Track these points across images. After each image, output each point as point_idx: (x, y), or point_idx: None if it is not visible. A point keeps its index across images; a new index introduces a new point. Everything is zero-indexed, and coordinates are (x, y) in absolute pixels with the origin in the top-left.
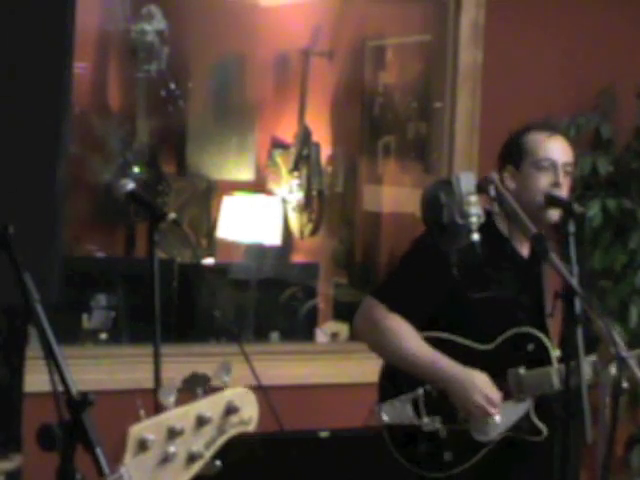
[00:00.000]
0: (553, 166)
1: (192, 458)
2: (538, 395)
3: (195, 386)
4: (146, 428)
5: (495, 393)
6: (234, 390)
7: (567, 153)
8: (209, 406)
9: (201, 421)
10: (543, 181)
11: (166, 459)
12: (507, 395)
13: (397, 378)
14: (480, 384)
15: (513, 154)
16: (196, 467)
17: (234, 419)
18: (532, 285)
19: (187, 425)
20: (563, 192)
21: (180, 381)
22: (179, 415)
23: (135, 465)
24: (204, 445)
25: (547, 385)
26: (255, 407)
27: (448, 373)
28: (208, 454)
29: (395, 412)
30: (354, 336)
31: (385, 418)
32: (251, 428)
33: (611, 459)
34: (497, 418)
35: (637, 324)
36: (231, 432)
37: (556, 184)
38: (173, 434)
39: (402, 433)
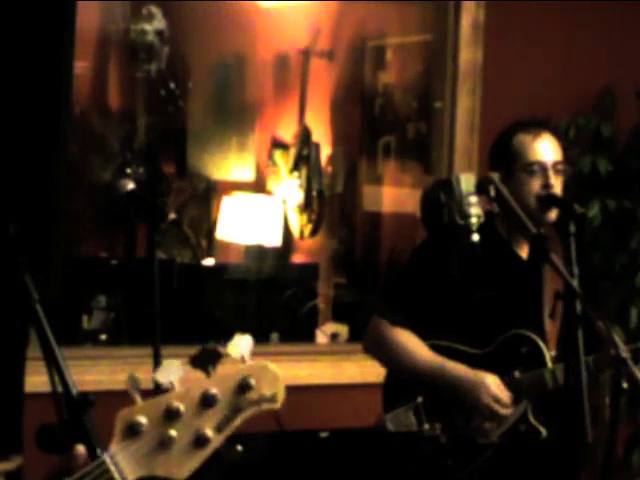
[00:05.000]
0: (543, 168)
1: (199, 442)
2: (534, 397)
3: (205, 363)
4: (137, 411)
5: (505, 395)
6: (250, 364)
7: (556, 151)
8: (217, 383)
9: (207, 400)
10: (534, 185)
11: (164, 444)
12: None
13: (399, 389)
14: (490, 386)
15: (502, 158)
16: (206, 452)
17: (251, 396)
18: (530, 287)
19: (189, 405)
20: (556, 191)
21: (187, 358)
22: (179, 395)
23: (124, 452)
24: (214, 427)
25: (541, 387)
26: (278, 382)
27: (458, 376)
28: (220, 437)
29: (398, 421)
30: (365, 353)
31: (390, 427)
32: (277, 406)
33: (611, 459)
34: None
35: (637, 325)
36: (250, 411)
37: (546, 186)
38: (171, 416)
39: (406, 441)
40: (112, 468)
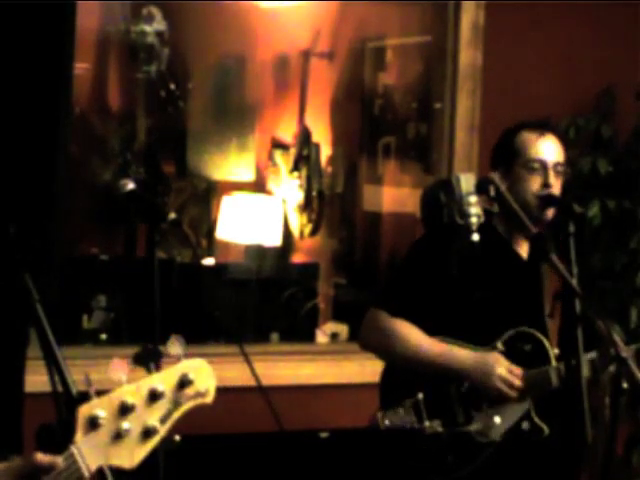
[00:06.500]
0: (543, 167)
1: (147, 433)
2: (538, 394)
3: (147, 361)
4: (96, 405)
5: (516, 367)
6: (188, 362)
7: (558, 152)
8: (162, 380)
9: (154, 395)
10: (534, 183)
11: (119, 435)
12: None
13: (397, 385)
14: (501, 359)
15: (504, 155)
16: (152, 442)
17: (189, 392)
18: (531, 286)
19: (139, 400)
20: (554, 192)
21: (131, 356)
22: (130, 391)
23: (87, 443)
24: (159, 420)
25: (546, 384)
26: (211, 379)
27: (466, 358)
28: (164, 429)
29: (397, 418)
30: (362, 348)
31: (387, 424)
32: (209, 400)
33: (611, 459)
34: (497, 419)
35: (637, 325)
36: (188, 405)
37: (546, 185)
38: (125, 410)
39: (405, 438)
40: (79, 459)
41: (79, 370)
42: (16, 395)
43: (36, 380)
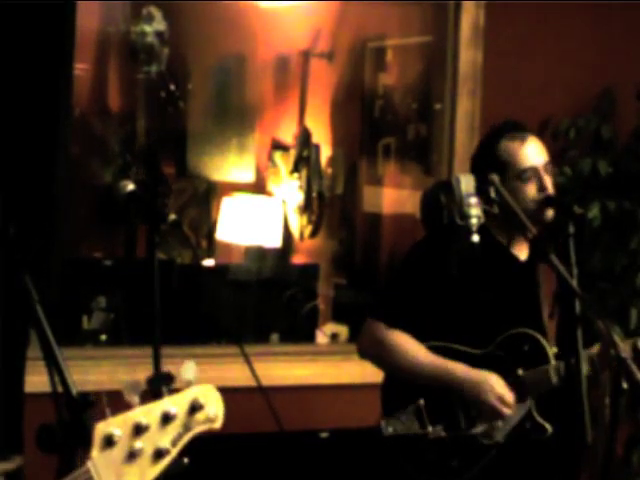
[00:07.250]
0: (536, 173)
1: (159, 454)
2: (539, 393)
3: (160, 384)
4: (112, 424)
5: (508, 394)
6: (199, 388)
7: (543, 152)
8: (174, 403)
9: (167, 418)
10: (530, 190)
11: (133, 455)
12: None
13: (399, 391)
14: (494, 385)
15: (490, 168)
16: (163, 463)
17: (200, 416)
18: (528, 287)
19: (153, 421)
20: (551, 192)
21: (144, 380)
22: (145, 411)
23: (102, 460)
24: (170, 441)
25: (546, 383)
26: (220, 404)
27: (462, 377)
28: (175, 451)
29: (400, 424)
30: (360, 357)
31: (391, 431)
32: (217, 426)
33: (611, 459)
34: (500, 420)
35: (637, 325)
36: (197, 429)
37: (542, 189)
38: (139, 430)
39: (408, 444)
40: (95, 476)
41: (79, 370)
42: (16, 395)
43: (36, 380)
